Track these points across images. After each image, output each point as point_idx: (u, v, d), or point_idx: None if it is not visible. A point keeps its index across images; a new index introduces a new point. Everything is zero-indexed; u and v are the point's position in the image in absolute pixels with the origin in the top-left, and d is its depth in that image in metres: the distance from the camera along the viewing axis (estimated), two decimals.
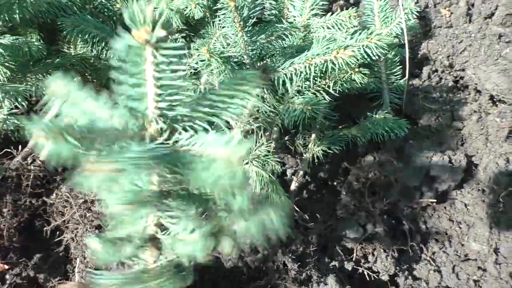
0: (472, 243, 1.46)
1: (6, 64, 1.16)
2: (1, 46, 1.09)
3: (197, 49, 1.16)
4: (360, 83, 1.19)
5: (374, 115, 1.43)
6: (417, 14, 1.65)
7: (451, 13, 1.96)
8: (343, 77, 1.19)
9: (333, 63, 1.11)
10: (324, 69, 1.13)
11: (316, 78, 1.18)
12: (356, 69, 1.17)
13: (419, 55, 1.86)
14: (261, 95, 1.26)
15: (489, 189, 1.51)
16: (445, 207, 1.56)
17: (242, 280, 1.28)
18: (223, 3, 1.08)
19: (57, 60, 1.31)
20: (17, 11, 1.12)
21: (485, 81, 1.66)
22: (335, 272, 1.33)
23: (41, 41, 1.34)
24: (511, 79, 1.59)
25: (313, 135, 1.40)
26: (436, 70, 1.80)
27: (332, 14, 1.53)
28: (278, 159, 1.38)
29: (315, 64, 1.13)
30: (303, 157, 1.43)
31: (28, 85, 1.25)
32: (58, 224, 1.37)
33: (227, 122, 1.28)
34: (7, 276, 1.19)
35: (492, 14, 1.88)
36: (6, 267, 0.93)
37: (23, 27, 1.30)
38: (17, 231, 1.35)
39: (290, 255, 1.23)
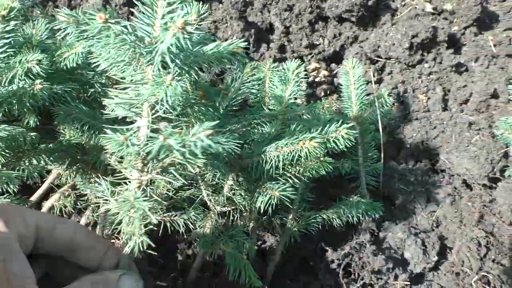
0: None
1: (3, 153, 1.25)
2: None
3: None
4: (326, 170, 1.28)
5: (349, 199, 1.50)
6: (390, 103, 1.77)
7: (428, 98, 2.08)
8: (310, 165, 1.28)
9: (299, 152, 1.20)
10: (292, 158, 1.22)
11: (286, 166, 1.26)
12: (322, 159, 1.26)
13: (396, 139, 1.96)
14: (237, 179, 1.35)
15: (463, 273, 1.54)
16: None
17: None
18: (196, 97, 1.19)
19: (50, 146, 1.41)
20: (16, 105, 1.23)
21: (457, 166, 1.74)
22: None
23: (37, 124, 1.44)
24: (481, 165, 1.67)
25: (290, 216, 1.47)
26: (413, 154, 1.88)
27: (311, 103, 1.65)
28: (255, 239, 1.44)
29: (284, 152, 1.22)
30: (280, 237, 1.49)
31: (21, 170, 1.32)
32: None
33: (205, 204, 1.36)
34: None
35: (467, 100, 2.00)
36: None
37: (22, 113, 1.41)
38: None
39: None
